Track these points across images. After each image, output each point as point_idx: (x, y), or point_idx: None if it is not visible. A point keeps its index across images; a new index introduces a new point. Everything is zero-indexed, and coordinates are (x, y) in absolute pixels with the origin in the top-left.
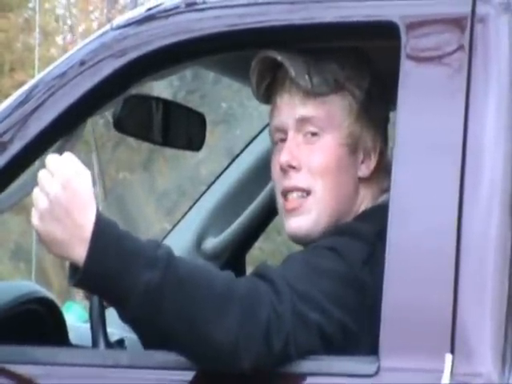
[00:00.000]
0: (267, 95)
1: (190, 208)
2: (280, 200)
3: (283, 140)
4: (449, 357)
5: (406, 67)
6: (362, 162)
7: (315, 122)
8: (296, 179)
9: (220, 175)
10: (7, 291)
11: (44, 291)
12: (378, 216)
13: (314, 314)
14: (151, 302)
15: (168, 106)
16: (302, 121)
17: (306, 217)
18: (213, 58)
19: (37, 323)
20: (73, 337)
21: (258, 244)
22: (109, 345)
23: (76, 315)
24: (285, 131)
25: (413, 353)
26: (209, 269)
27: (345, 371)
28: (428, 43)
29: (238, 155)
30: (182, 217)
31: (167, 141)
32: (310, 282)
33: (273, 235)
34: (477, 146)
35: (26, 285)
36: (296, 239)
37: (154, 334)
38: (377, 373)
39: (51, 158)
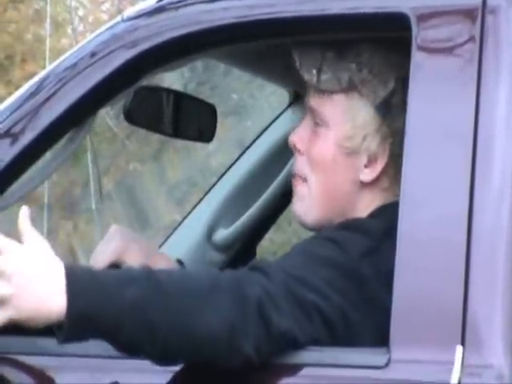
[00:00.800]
0: None
1: (201, 199)
2: None
3: None
4: (459, 348)
5: (417, 59)
6: (366, 167)
7: (319, 116)
8: (298, 164)
9: (231, 166)
10: None
11: None
12: (388, 213)
13: (310, 294)
14: (142, 318)
15: (179, 97)
16: (311, 110)
17: (301, 203)
18: (223, 50)
19: None
20: None
21: (268, 235)
22: None
23: None
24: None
25: (423, 344)
26: (190, 272)
27: (355, 363)
28: (439, 34)
29: (248, 147)
30: (193, 208)
31: (178, 132)
32: (306, 268)
33: (283, 226)
34: (488, 137)
35: None
36: (299, 223)
37: (156, 350)
38: (387, 364)
39: None
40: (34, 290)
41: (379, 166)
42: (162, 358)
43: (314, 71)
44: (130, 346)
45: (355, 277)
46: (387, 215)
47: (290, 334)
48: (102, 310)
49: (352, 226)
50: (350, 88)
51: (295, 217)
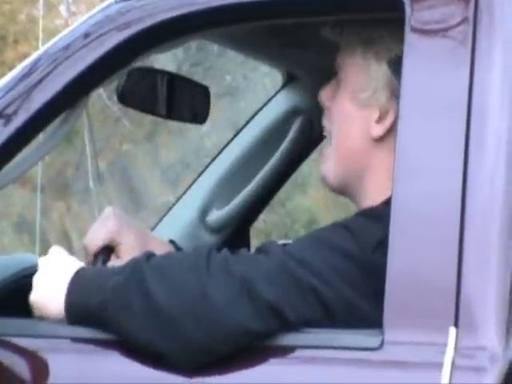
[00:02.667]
0: None
1: (194, 181)
2: None
3: None
4: (453, 330)
5: (410, 40)
6: (377, 122)
7: (340, 71)
8: (325, 122)
9: (224, 148)
10: (11, 264)
11: None
12: None
13: (310, 277)
14: (120, 301)
15: (172, 78)
16: (337, 67)
17: (324, 164)
18: (217, 31)
19: None
20: None
21: (261, 216)
22: None
23: None
24: None
25: (417, 326)
26: (177, 261)
27: (349, 344)
28: (432, 16)
29: (242, 128)
30: (186, 189)
31: (171, 114)
32: (313, 253)
33: (276, 207)
34: (481, 117)
35: (29, 258)
36: (324, 184)
37: (136, 337)
38: (381, 346)
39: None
40: (43, 293)
41: (388, 122)
42: (138, 340)
43: (338, 28)
44: (114, 324)
45: (367, 267)
46: None
47: (277, 307)
48: (90, 297)
49: (368, 213)
50: (367, 44)
51: (321, 179)
